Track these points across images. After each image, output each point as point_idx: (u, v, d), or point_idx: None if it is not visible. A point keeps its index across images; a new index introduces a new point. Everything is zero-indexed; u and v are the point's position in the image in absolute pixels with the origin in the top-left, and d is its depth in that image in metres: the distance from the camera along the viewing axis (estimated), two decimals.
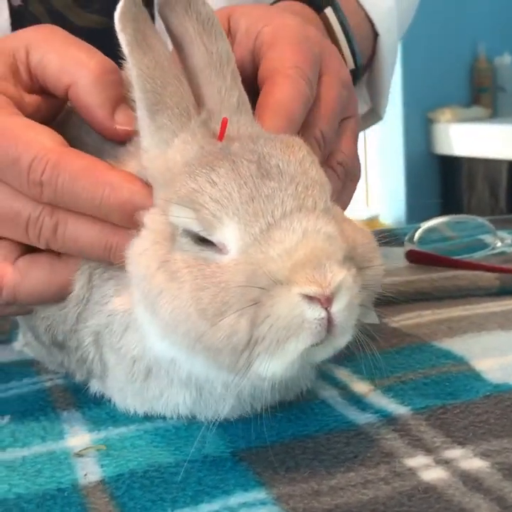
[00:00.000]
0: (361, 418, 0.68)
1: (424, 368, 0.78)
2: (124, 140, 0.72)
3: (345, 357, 0.73)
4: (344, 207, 0.79)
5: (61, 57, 0.72)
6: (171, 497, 0.58)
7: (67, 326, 0.72)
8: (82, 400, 0.76)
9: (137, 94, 0.67)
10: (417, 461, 0.60)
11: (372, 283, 0.66)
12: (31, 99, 0.74)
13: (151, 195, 0.67)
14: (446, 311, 0.95)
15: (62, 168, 0.66)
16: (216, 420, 0.68)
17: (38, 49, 0.72)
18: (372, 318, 0.93)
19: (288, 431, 0.67)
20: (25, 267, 0.71)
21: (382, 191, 4.95)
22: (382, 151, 4.92)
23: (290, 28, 0.77)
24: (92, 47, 0.73)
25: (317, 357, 0.62)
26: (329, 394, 0.74)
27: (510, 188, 4.66)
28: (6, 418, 0.73)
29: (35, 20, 1.02)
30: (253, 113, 0.72)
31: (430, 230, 1.27)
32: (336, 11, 1.00)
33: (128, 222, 0.67)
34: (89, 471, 0.63)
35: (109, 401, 0.74)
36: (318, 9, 1.00)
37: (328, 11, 0.99)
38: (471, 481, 0.56)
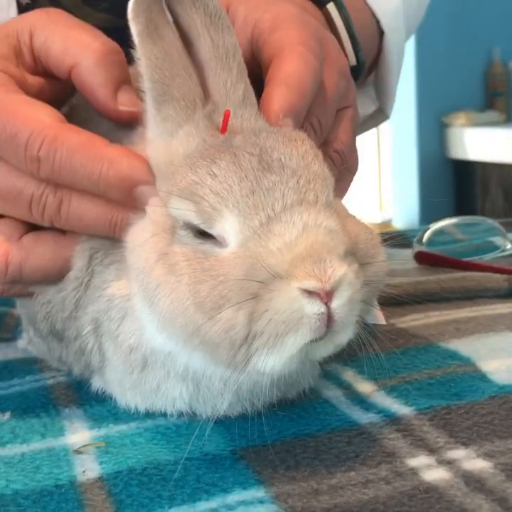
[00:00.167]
0: (364, 418, 0.67)
1: (430, 368, 0.77)
2: (127, 121, 0.71)
3: (349, 357, 0.73)
4: (340, 198, 0.78)
5: (64, 38, 0.72)
6: (168, 494, 0.57)
7: (66, 313, 0.72)
8: (84, 397, 0.76)
9: (145, 84, 0.67)
10: (419, 461, 0.59)
11: (374, 279, 0.65)
12: (34, 81, 0.74)
13: (150, 170, 0.66)
14: (453, 312, 0.95)
15: (59, 144, 0.66)
16: (215, 416, 0.67)
17: (41, 31, 0.73)
18: (379, 319, 0.92)
19: (289, 430, 0.66)
20: (30, 244, 0.71)
21: (395, 195, 4.93)
22: (396, 155, 4.90)
23: (290, 13, 0.77)
24: (95, 29, 0.73)
25: (317, 353, 0.62)
26: (333, 394, 0.73)
27: None
28: (7, 414, 0.73)
29: None
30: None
31: (440, 233, 1.26)
32: (339, 6, 0.99)
33: (127, 198, 0.66)
34: (88, 468, 0.62)
35: (111, 398, 0.74)
36: (321, 5, 0.99)
37: (330, 7, 0.98)
38: (473, 481, 0.56)
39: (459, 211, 4.56)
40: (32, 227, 0.72)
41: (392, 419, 0.66)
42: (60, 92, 0.76)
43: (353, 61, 1.00)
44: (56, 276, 0.72)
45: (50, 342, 0.77)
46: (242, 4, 0.74)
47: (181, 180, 0.62)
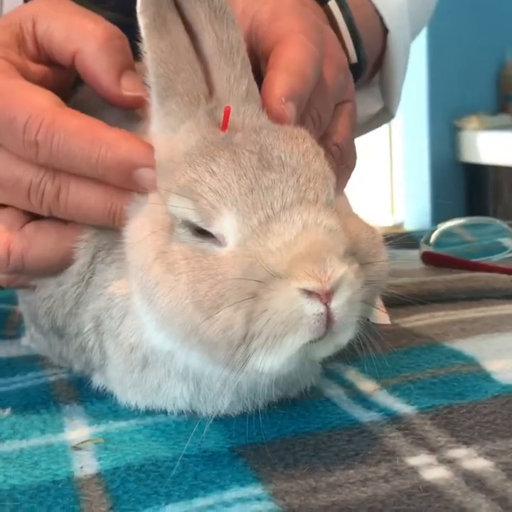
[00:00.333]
0: (365, 416, 0.67)
1: (433, 367, 0.76)
2: (131, 106, 0.71)
3: (352, 357, 0.72)
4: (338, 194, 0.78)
5: (67, 25, 0.72)
6: (165, 491, 0.57)
7: (67, 308, 0.72)
8: (84, 394, 0.75)
9: (150, 78, 0.67)
10: (419, 459, 0.59)
11: (375, 279, 0.64)
12: (37, 69, 0.74)
13: (151, 153, 0.66)
14: (459, 312, 0.94)
15: (57, 127, 0.65)
16: (216, 415, 0.67)
17: (44, 19, 0.73)
18: (383, 319, 0.92)
19: (289, 427, 0.66)
20: (31, 233, 0.71)
21: (407, 199, 4.92)
22: (407, 159, 4.88)
23: (289, 5, 0.76)
24: (97, 15, 0.73)
25: (317, 354, 0.61)
26: (335, 392, 0.72)
27: None
28: (7, 410, 0.73)
29: None
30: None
31: (448, 234, 1.25)
32: (341, 4, 0.98)
33: (127, 182, 0.66)
34: (86, 464, 0.62)
35: (112, 395, 0.73)
36: (322, 2, 0.98)
37: (332, 4, 0.98)
38: (473, 480, 0.55)
39: (470, 215, 4.54)
40: (34, 218, 0.72)
41: (394, 418, 0.66)
42: (64, 80, 0.76)
43: (354, 58, 0.99)
44: (58, 267, 0.71)
45: (51, 338, 0.77)
46: None
47: (180, 177, 0.62)
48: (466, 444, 0.60)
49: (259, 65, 0.74)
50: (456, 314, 0.93)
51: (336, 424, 0.66)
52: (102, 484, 0.58)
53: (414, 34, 1.23)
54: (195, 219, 0.61)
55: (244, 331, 0.57)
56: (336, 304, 0.57)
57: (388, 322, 0.91)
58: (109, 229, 0.69)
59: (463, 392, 0.70)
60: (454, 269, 1.11)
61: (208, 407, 0.68)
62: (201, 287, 0.58)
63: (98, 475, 0.60)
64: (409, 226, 4.78)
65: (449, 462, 0.58)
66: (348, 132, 0.79)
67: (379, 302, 0.84)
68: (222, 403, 0.67)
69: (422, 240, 1.19)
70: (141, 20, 0.66)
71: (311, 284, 0.56)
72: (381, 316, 0.90)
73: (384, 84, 1.17)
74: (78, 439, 0.66)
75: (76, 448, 0.65)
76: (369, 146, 4.73)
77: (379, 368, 0.73)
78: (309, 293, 0.56)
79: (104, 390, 0.74)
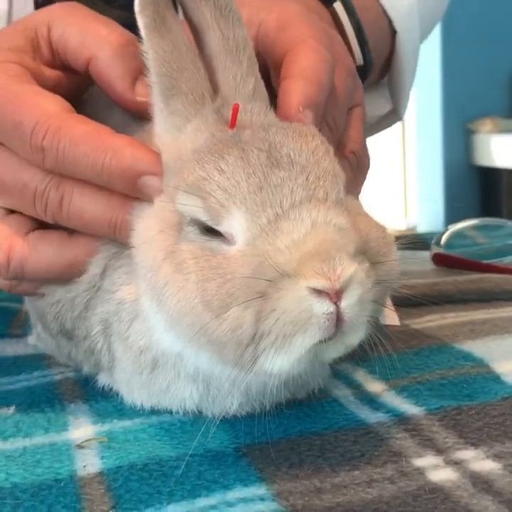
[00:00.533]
0: (372, 417, 0.66)
1: (442, 369, 0.75)
2: (144, 112, 0.71)
3: (361, 357, 0.71)
4: (356, 197, 0.77)
5: (81, 31, 0.72)
6: (168, 490, 0.56)
7: (75, 313, 0.71)
8: (90, 392, 0.75)
9: (152, 78, 0.66)
10: (426, 461, 0.58)
11: (386, 279, 0.63)
12: (52, 74, 0.74)
13: (157, 161, 0.65)
14: (469, 313, 0.93)
15: (63, 133, 0.65)
16: (224, 417, 0.66)
17: (59, 25, 0.73)
18: (393, 319, 0.91)
19: (295, 428, 0.65)
20: (34, 240, 0.71)
21: (420, 202, 4.90)
22: (421, 162, 4.87)
23: (294, 11, 0.76)
24: (112, 21, 0.73)
25: (327, 354, 0.60)
26: (342, 393, 0.71)
27: None
28: (11, 409, 0.72)
29: None
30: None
31: (460, 236, 1.24)
32: (346, 5, 0.98)
33: (131, 189, 0.65)
34: (89, 463, 0.61)
35: (117, 394, 0.73)
36: (328, 3, 0.98)
37: (337, 5, 0.97)
38: (480, 482, 0.54)
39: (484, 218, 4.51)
40: (43, 226, 0.72)
41: (401, 419, 0.65)
42: (77, 85, 0.76)
43: (360, 60, 0.98)
44: (58, 277, 0.71)
45: (60, 340, 0.77)
46: (245, 6, 0.73)
47: (189, 175, 0.61)
48: (474, 445, 0.59)
49: (265, 72, 0.74)
50: (467, 315, 0.92)
51: (342, 424, 0.65)
52: (105, 483, 0.58)
53: (423, 36, 1.22)
54: (203, 217, 0.60)
55: (253, 331, 0.57)
56: (346, 303, 0.56)
57: (398, 323, 0.90)
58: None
59: (472, 394, 0.69)
60: (465, 271, 1.10)
61: (216, 408, 0.67)
62: (210, 286, 0.58)
63: (101, 474, 0.59)
64: (423, 229, 4.76)
65: (457, 464, 0.57)
66: (362, 137, 0.79)
67: (389, 302, 0.83)
68: (230, 404, 0.66)
69: (433, 242, 1.18)
70: (141, 20, 0.66)
71: (321, 283, 0.55)
72: (391, 317, 0.89)
73: (392, 86, 1.16)
74: (82, 437, 0.66)
75: (80, 446, 0.64)
76: (382, 149, 4.72)
77: (388, 369, 0.72)
78: (319, 292, 0.55)
79: (110, 389, 0.74)
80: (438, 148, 4.68)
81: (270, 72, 0.75)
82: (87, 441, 0.65)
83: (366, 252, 0.61)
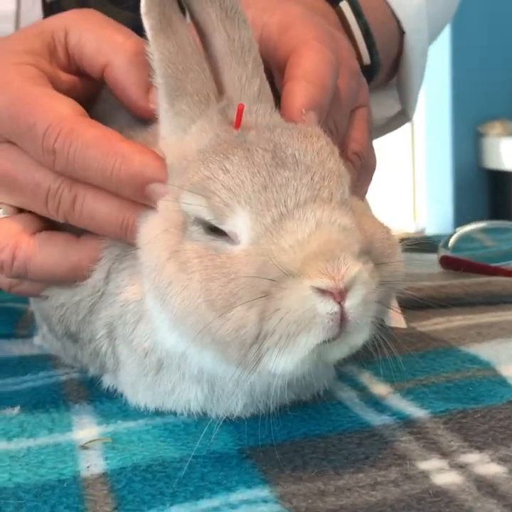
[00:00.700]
0: (377, 420, 0.66)
1: (448, 372, 0.75)
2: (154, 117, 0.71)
3: (366, 360, 0.71)
4: (361, 198, 0.77)
5: (98, 38, 0.73)
6: (171, 491, 0.56)
7: (80, 316, 0.71)
8: (95, 393, 0.75)
9: (158, 79, 0.66)
10: (430, 464, 0.58)
11: (390, 279, 0.63)
12: (67, 78, 0.74)
13: (163, 167, 0.65)
14: (476, 316, 0.93)
15: (74, 136, 0.66)
16: (228, 418, 0.66)
17: (76, 30, 0.73)
18: (399, 321, 0.91)
19: (300, 430, 0.65)
20: (41, 241, 0.71)
21: (429, 205, 4.89)
22: (430, 165, 4.86)
23: (297, 13, 0.76)
24: (127, 29, 0.74)
25: (331, 355, 0.60)
26: (347, 395, 0.71)
27: None
28: (16, 409, 0.72)
29: None
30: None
31: (469, 239, 1.24)
32: (353, 5, 0.97)
33: (139, 195, 0.65)
34: (93, 464, 0.61)
35: (122, 395, 0.73)
36: (334, 3, 0.97)
37: (343, 5, 0.97)
38: (485, 486, 0.54)
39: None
40: (50, 228, 0.72)
41: (406, 422, 0.65)
42: (91, 91, 0.77)
43: (367, 60, 0.98)
44: (61, 279, 0.71)
45: (66, 342, 0.77)
46: (249, 8, 0.73)
47: (193, 175, 0.61)
48: (479, 449, 0.59)
49: (269, 74, 0.74)
50: (473, 318, 0.92)
51: (346, 427, 0.65)
52: (108, 484, 0.58)
53: (432, 37, 1.22)
54: (208, 216, 0.60)
55: (257, 330, 0.57)
56: (350, 303, 0.56)
57: (404, 325, 0.90)
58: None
59: (478, 397, 0.69)
60: (473, 274, 1.09)
61: (220, 409, 0.67)
62: (214, 286, 0.58)
63: (104, 474, 0.59)
64: (431, 232, 4.75)
65: (461, 467, 0.57)
66: (366, 137, 0.78)
67: (395, 305, 0.83)
68: (235, 405, 0.66)
69: (441, 244, 1.18)
70: (147, 22, 0.66)
71: (324, 283, 0.55)
72: (397, 319, 0.89)
73: (401, 87, 1.16)
74: (86, 438, 0.66)
75: (84, 447, 0.64)
76: (392, 152, 4.72)
77: (394, 371, 0.72)
78: (323, 291, 0.55)
79: (115, 390, 0.74)
80: (447, 151, 4.67)
81: (274, 74, 0.75)
82: (91, 442, 0.65)
83: (371, 253, 0.61)
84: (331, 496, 0.54)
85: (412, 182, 5.12)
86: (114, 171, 0.65)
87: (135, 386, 0.70)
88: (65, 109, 0.68)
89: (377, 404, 0.69)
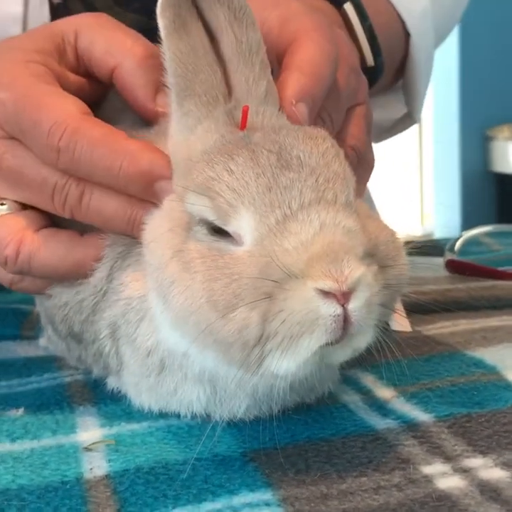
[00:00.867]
0: (381, 423, 0.66)
1: (453, 376, 0.75)
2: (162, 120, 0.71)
3: (370, 363, 0.71)
4: (359, 196, 0.77)
5: (108, 41, 0.73)
6: (173, 494, 0.56)
7: (83, 316, 0.71)
8: (99, 395, 0.75)
9: (169, 79, 0.67)
10: (434, 468, 0.57)
11: (394, 283, 0.63)
12: (75, 79, 0.75)
13: (170, 164, 0.66)
14: (482, 320, 0.92)
15: (80, 135, 0.66)
16: (231, 420, 0.66)
17: (86, 33, 0.74)
18: (404, 325, 0.90)
19: (303, 433, 0.65)
20: (45, 237, 0.71)
21: (437, 209, 4.89)
22: (438, 168, 4.86)
23: (298, 9, 0.76)
24: (137, 33, 0.74)
25: (334, 357, 0.60)
26: (351, 399, 0.71)
27: None
28: (20, 410, 0.72)
29: None
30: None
31: (474, 242, 1.23)
32: (357, 6, 0.97)
33: (147, 193, 0.66)
34: (96, 466, 0.61)
35: (126, 397, 0.73)
36: (338, 5, 0.97)
37: (347, 6, 0.97)
38: (488, 490, 0.54)
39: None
40: (54, 225, 0.73)
41: (410, 426, 0.65)
42: (99, 93, 0.77)
43: (371, 61, 0.98)
44: (64, 276, 0.71)
45: (69, 343, 0.77)
46: (251, 3, 0.74)
47: (198, 175, 0.61)
48: (483, 453, 0.59)
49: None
50: (479, 322, 0.91)
51: (350, 430, 0.65)
52: (111, 486, 0.58)
53: (439, 40, 1.22)
54: (212, 217, 0.60)
55: (260, 332, 0.57)
56: (353, 305, 0.56)
57: (409, 329, 0.90)
58: (126, 237, 0.69)
59: (482, 401, 0.68)
60: (479, 278, 1.09)
61: (223, 411, 0.67)
62: (216, 286, 0.58)
63: (107, 477, 0.59)
64: (439, 236, 4.75)
65: (465, 471, 0.57)
66: (364, 134, 0.78)
67: (400, 308, 0.83)
68: (238, 407, 0.66)
69: (447, 248, 1.17)
70: (161, 21, 0.66)
71: (328, 284, 0.55)
72: (402, 323, 0.89)
73: (407, 89, 1.16)
74: (90, 440, 0.66)
75: (87, 449, 0.64)
76: (399, 155, 4.71)
77: (398, 375, 0.72)
78: (326, 293, 0.55)
79: (119, 392, 0.74)
80: (455, 155, 4.67)
81: (274, 70, 0.74)
82: (94, 443, 0.65)
83: (375, 255, 0.61)
84: (334, 500, 0.54)
85: (420, 185, 5.12)
86: (122, 169, 0.65)
87: (138, 387, 0.70)
88: (70, 107, 0.68)
89: (381, 407, 0.69)
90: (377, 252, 0.62)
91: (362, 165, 0.77)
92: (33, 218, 0.72)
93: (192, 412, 0.68)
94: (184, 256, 0.60)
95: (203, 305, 0.58)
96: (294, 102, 0.67)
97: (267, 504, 0.54)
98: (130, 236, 0.68)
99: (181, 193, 0.63)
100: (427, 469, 0.57)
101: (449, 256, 1.16)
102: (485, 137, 4.65)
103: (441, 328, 0.90)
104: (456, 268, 1.14)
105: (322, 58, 0.70)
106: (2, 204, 0.73)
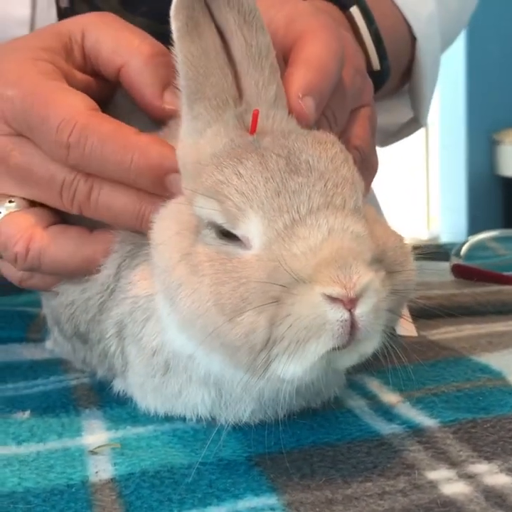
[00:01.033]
0: (386, 429, 0.66)
1: (458, 381, 0.75)
2: (170, 118, 0.72)
3: (376, 368, 0.71)
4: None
5: (114, 40, 0.74)
6: (178, 498, 0.56)
7: (89, 315, 0.72)
8: (105, 398, 0.75)
9: (180, 81, 0.67)
10: (439, 474, 0.57)
11: (402, 288, 0.63)
12: (82, 77, 0.75)
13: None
14: (487, 325, 0.92)
15: (90, 131, 0.66)
16: (237, 424, 0.66)
17: (93, 32, 0.74)
18: (410, 330, 0.90)
19: (308, 438, 0.65)
20: (54, 233, 0.71)
21: (443, 212, 4.88)
22: (444, 172, 4.85)
23: (305, 8, 0.76)
24: (144, 32, 0.75)
25: (341, 362, 0.60)
26: (356, 404, 0.71)
27: None
28: (27, 413, 0.72)
29: None
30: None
31: (481, 247, 1.23)
32: (363, 10, 0.97)
33: (158, 187, 0.66)
34: (101, 469, 0.61)
35: (132, 400, 0.73)
36: (344, 8, 0.97)
37: (354, 10, 0.97)
38: (494, 496, 0.54)
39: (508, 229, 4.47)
40: (62, 222, 0.73)
41: (415, 431, 0.65)
42: (106, 92, 0.78)
43: (377, 65, 0.98)
44: (73, 272, 0.72)
45: (75, 343, 0.77)
46: (258, 2, 0.74)
47: (207, 179, 0.62)
48: (488, 459, 0.59)
49: None
50: (484, 327, 0.91)
51: (355, 435, 0.65)
52: (116, 489, 0.58)
53: (445, 44, 1.22)
54: (220, 220, 0.60)
55: (267, 336, 0.57)
56: (360, 310, 0.56)
57: (415, 334, 0.90)
58: (135, 233, 0.69)
59: (487, 407, 0.68)
60: (484, 282, 1.09)
61: (228, 415, 0.67)
62: (224, 290, 0.58)
63: (112, 480, 0.60)
64: (445, 240, 4.74)
65: (470, 477, 0.56)
66: (368, 135, 0.78)
67: (406, 313, 0.83)
68: (243, 410, 0.66)
69: (453, 253, 1.17)
70: (174, 24, 0.66)
71: (335, 290, 0.55)
72: (408, 328, 0.88)
73: (413, 93, 1.16)
74: (95, 443, 0.66)
75: (93, 452, 0.64)
76: (406, 159, 4.71)
77: (404, 380, 0.72)
78: (333, 299, 0.55)
79: (125, 395, 0.74)
80: (462, 159, 4.66)
81: (281, 69, 0.74)
82: (100, 447, 0.65)
83: (383, 261, 0.61)
84: (339, 505, 0.54)
85: (426, 189, 5.11)
86: (133, 163, 0.66)
87: (143, 388, 0.70)
88: (78, 104, 0.68)
89: (386, 413, 0.69)
90: (385, 257, 0.62)
91: (366, 168, 0.77)
92: (41, 215, 0.72)
93: (197, 415, 0.68)
94: (192, 259, 0.61)
95: (210, 308, 0.58)
96: (300, 96, 0.68)
97: (272, 509, 0.54)
98: (139, 231, 0.68)
99: (190, 196, 0.63)
100: (432, 475, 0.57)
101: (454, 261, 1.16)
102: (492, 141, 4.64)
103: (446, 333, 0.90)
104: (462, 273, 1.14)
105: (329, 54, 0.70)
106: (11, 201, 0.73)
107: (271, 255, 0.58)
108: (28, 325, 0.97)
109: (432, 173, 5.08)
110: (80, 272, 0.71)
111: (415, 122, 1.21)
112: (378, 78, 0.95)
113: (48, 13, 1.04)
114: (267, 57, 0.69)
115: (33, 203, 0.73)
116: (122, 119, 0.74)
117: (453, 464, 0.59)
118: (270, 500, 0.55)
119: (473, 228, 4.57)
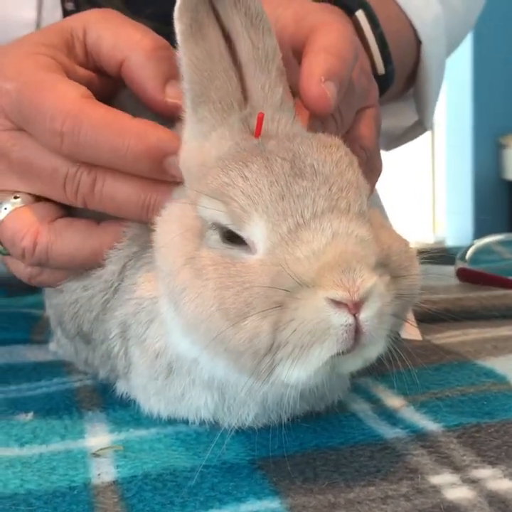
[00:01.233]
0: (390, 433, 0.65)
1: (463, 385, 0.74)
2: (172, 113, 0.71)
3: (380, 372, 0.71)
4: None
5: (115, 35, 0.74)
6: (181, 501, 0.56)
7: (93, 314, 0.72)
8: (108, 401, 0.75)
9: (185, 84, 0.67)
10: (442, 478, 0.57)
11: (407, 293, 0.62)
12: (84, 73, 0.75)
13: (178, 139, 0.66)
14: (493, 330, 0.92)
15: (84, 118, 0.66)
16: (240, 428, 0.66)
17: (94, 28, 0.75)
18: (414, 334, 0.90)
19: (311, 442, 0.64)
20: (61, 227, 0.71)
21: (449, 216, 4.87)
22: (450, 176, 4.85)
23: (312, 6, 0.76)
24: (145, 27, 0.75)
25: (345, 367, 0.60)
26: (360, 407, 0.71)
27: None
28: (30, 415, 0.72)
29: None
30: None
31: (486, 250, 1.23)
32: (369, 14, 0.97)
33: (157, 171, 0.66)
34: (104, 471, 0.61)
35: (135, 403, 0.73)
36: (350, 12, 0.97)
37: (359, 14, 0.97)
38: (497, 501, 0.53)
39: None
40: (68, 215, 0.73)
41: (419, 435, 0.64)
42: (108, 88, 0.77)
43: (381, 70, 0.97)
44: (81, 265, 0.72)
45: (77, 343, 0.77)
46: (263, 2, 0.74)
47: (212, 181, 0.62)
48: (492, 464, 0.59)
49: None
50: (489, 332, 0.91)
51: (359, 439, 0.64)
52: (118, 492, 0.58)
53: (451, 48, 1.21)
54: (225, 221, 0.60)
55: (271, 341, 0.56)
56: (365, 315, 0.56)
57: (419, 338, 0.89)
58: (143, 234, 0.69)
59: (492, 411, 0.68)
60: (490, 287, 1.09)
61: (232, 419, 0.67)
62: (228, 294, 0.58)
63: (115, 482, 0.59)
64: (451, 244, 4.74)
65: (473, 482, 0.56)
66: (374, 135, 0.78)
67: (411, 317, 0.83)
68: (246, 414, 0.66)
69: (458, 257, 1.17)
70: (178, 26, 0.66)
71: (339, 294, 0.55)
72: (412, 332, 0.88)
73: (418, 97, 1.16)
74: (98, 445, 0.66)
75: (95, 455, 0.64)
76: (412, 163, 4.70)
77: (408, 384, 0.72)
78: (337, 303, 0.55)
79: (128, 398, 0.74)
80: (468, 162, 4.65)
81: (291, 66, 0.74)
82: (102, 449, 0.65)
83: (388, 265, 0.61)
84: (342, 509, 0.54)
85: (432, 193, 5.11)
86: (129, 149, 0.66)
87: (146, 390, 0.70)
88: (71, 92, 0.68)
89: (390, 417, 0.69)
90: (389, 262, 0.61)
91: (370, 169, 0.77)
92: (47, 209, 0.72)
93: (200, 418, 0.68)
94: (196, 263, 0.60)
95: (214, 313, 0.58)
96: (323, 80, 0.67)
97: None
98: (145, 222, 0.68)
99: (194, 198, 0.63)
100: (436, 479, 0.57)
101: (460, 264, 1.15)
102: (498, 145, 4.63)
103: (451, 337, 0.90)
104: (467, 277, 1.13)
105: (345, 43, 0.70)
106: (16, 197, 0.73)
107: (274, 260, 0.58)
108: (31, 327, 0.98)
109: (438, 176, 5.07)
110: (88, 264, 0.71)
111: (420, 126, 1.21)
112: (383, 82, 0.95)
113: (53, 15, 1.04)
114: (273, 60, 0.69)
115: (38, 198, 0.73)
116: None
117: (456, 468, 0.58)
118: (273, 503, 0.55)
119: (479, 232, 4.56)
